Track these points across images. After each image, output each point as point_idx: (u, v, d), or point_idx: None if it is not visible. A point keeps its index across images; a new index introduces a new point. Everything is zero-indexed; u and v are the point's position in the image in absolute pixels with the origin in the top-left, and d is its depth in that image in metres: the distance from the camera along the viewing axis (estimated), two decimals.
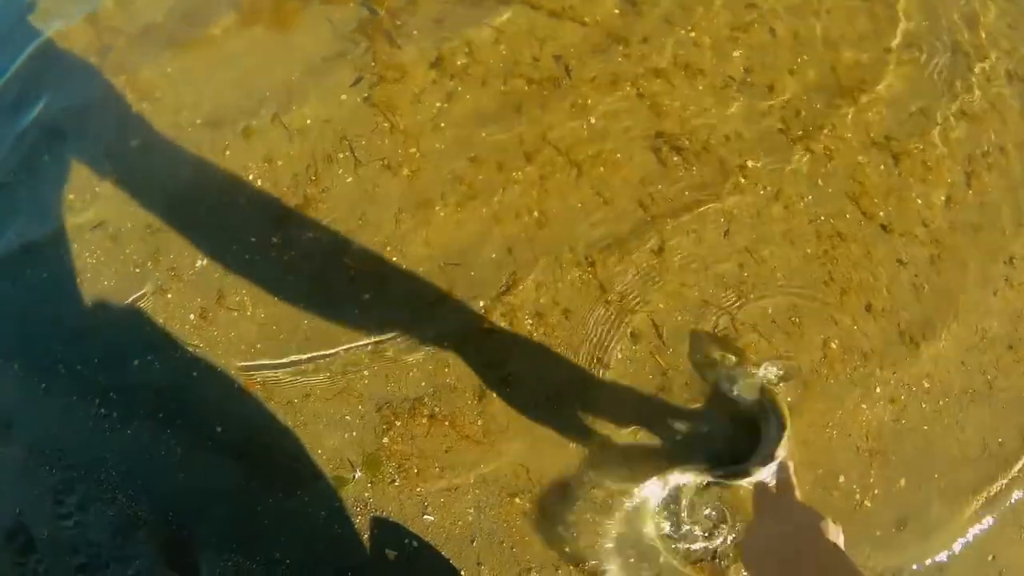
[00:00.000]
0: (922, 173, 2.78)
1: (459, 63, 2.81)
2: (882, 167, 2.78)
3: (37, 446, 2.50)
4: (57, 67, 3.05)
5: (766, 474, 2.20)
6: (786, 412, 2.32)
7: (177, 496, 2.41)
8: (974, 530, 2.45)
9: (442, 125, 2.73)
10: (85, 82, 2.97)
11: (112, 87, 2.92)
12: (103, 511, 2.43)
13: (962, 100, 2.93)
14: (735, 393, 2.40)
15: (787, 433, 2.27)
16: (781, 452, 2.23)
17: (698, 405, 2.44)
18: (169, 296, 2.59)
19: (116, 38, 3.06)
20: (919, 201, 2.76)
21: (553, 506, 2.36)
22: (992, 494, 2.47)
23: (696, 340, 2.48)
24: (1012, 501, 2.49)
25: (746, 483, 2.26)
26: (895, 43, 3.02)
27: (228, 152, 2.74)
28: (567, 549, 2.32)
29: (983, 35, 3.11)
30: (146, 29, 3.06)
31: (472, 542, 2.33)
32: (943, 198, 2.76)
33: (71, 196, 2.78)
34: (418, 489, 2.38)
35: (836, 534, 1.47)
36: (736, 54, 2.90)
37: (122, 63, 2.99)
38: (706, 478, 2.33)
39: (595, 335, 2.50)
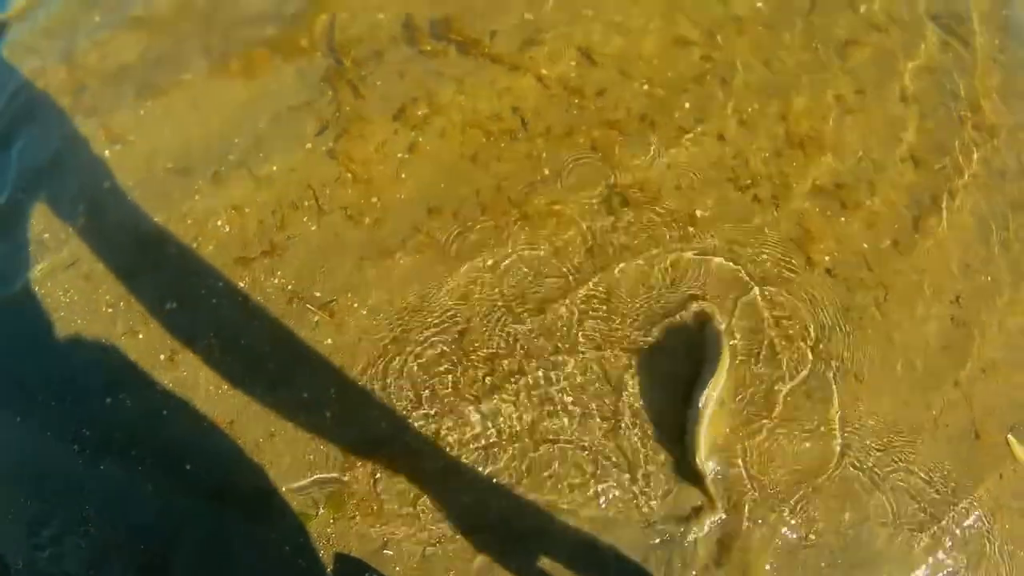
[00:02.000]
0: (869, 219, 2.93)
1: (420, 114, 2.94)
2: (828, 213, 2.92)
3: (12, 479, 2.61)
4: (32, 106, 3.14)
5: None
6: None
7: (150, 530, 2.53)
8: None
9: (403, 176, 2.85)
10: (59, 123, 3.07)
11: (86, 129, 3.03)
12: (77, 543, 2.54)
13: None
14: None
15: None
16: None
17: None
18: (140, 336, 2.71)
19: (90, 78, 3.16)
20: (865, 245, 2.90)
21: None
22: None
23: None
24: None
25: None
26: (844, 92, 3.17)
27: (198, 197, 2.86)
28: None
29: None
30: (119, 71, 3.16)
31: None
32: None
33: (46, 235, 2.89)
34: (377, 527, 2.50)
35: None
36: (687, 105, 3.03)
37: (96, 105, 3.10)
38: None
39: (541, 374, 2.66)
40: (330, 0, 3.22)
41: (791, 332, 2.70)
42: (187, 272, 2.78)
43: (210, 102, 3.05)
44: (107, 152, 2.97)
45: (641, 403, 2.62)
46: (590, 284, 2.75)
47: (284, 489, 2.54)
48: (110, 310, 2.75)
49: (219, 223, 2.82)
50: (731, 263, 2.78)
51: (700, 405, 2.53)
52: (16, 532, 2.56)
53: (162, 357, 2.68)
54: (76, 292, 2.78)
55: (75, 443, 2.61)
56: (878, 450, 2.63)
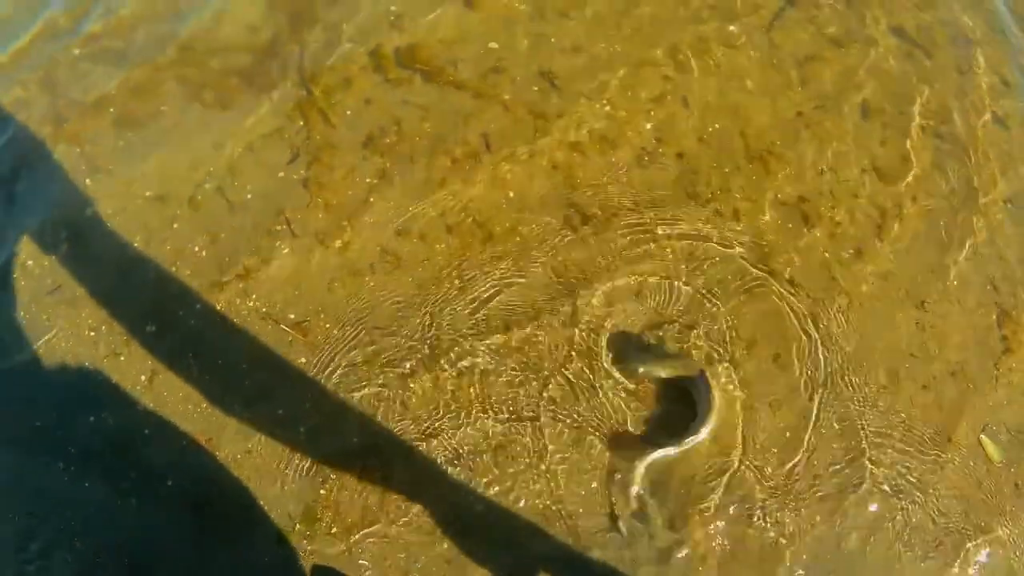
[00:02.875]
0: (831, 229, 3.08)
1: (388, 141, 3.07)
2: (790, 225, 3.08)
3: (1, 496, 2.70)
4: (14, 136, 3.25)
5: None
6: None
7: (135, 544, 2.63)
8: None
9: (371, 200, 2.99)
10: (41, 152, 3.19)
11: (67, 159, 3.15)
12: (64, 557, 2.63)
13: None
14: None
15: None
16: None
17: None
18: (122, 358, 2.82)
19: (71, 109, 3.28)
20: (826, 255, 3.05)
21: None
22: None
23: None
24: None
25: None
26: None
27: (176, 224, 2.97)
28: None
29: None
30: (99, 101, 3.27)
31: None
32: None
33: (29, 262, 2.99)
34: (354, 536, 2.62)
35: None
36: (648, 126, 3.18)
37: (77, 134, 3.21)
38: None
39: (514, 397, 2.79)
40: (300, 30, 3.33)
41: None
42: (166, 296, 2.88)
43: (187, 131, 3.17)
44: (88, 181, 3.08)
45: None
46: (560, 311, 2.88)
47: (261, 503, 2.64)
48: (92, 333, 2.85)
49: (196, 248, 2.93)
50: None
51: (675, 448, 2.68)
52: (4, 546, 2.64)
53: (143, 378, 2.79)
54: (60, 316, 2.88)
55: (59, 461, 2.70)
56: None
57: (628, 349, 2.81)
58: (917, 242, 3.10)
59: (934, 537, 2.72)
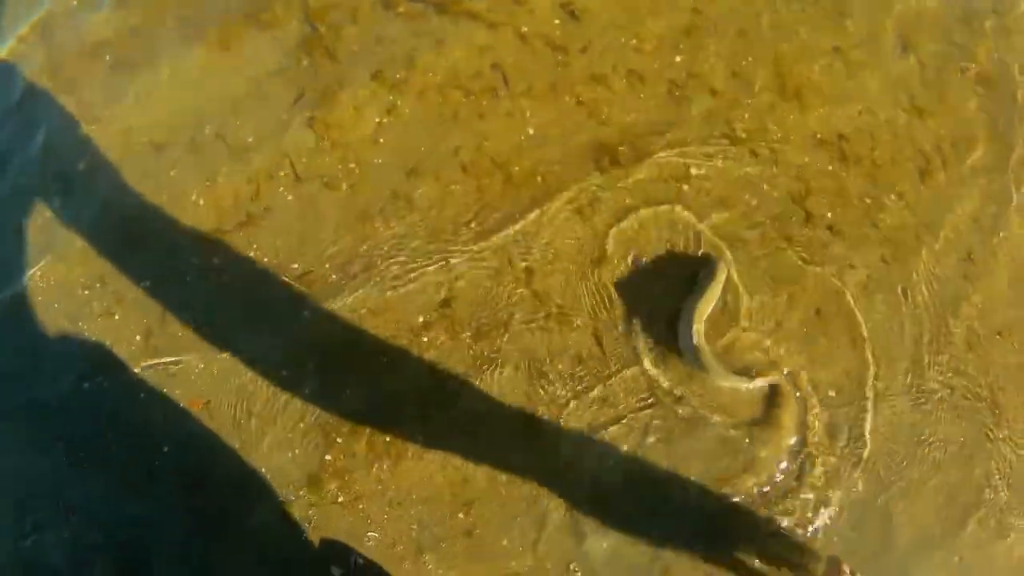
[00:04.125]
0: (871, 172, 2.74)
1: (398, 76, 2.81)
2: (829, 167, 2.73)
3: None
4: (8, 85, 3.06)
5: None
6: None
7: (131, 521, 2.48)
8: None
9: (381, 140, 2.72)
10: (36, 102, 3.01)
11: (61, 108, 2.95)
12: (59, 534, 2.49)
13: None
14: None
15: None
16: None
17: None
18: (116, 318, 2.64)
19: (66, 56, 3.07)
20: (867, 201, 2.71)
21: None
22: None
23: None
24: None
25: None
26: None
27: (173, 172, 2.76)
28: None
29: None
30: (95, 47, 3.06)
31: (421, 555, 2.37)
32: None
33: (23, 220, 2.79)
34: (361, 505, 2.38)
35: None
36: (678, 59, 2.85)
37: (72, 82, 3.01)
38: None
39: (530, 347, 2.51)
40: None
41: None
42: (162, 249, 2.70)
43: (186, 74, 2.95)
44: (82, 130, 2.89)
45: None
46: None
47: (263, 471, 2.45)
48: (86, 292, 2.68)
49: (193, 197, 2.73)
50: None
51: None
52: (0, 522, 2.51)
53: (138, 338, 2.62)
54: (52, 275, 2.72)
55: (53, 430, 2.57)
56: None
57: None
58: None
59: None
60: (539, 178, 2.68)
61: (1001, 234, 2.67)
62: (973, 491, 2.46)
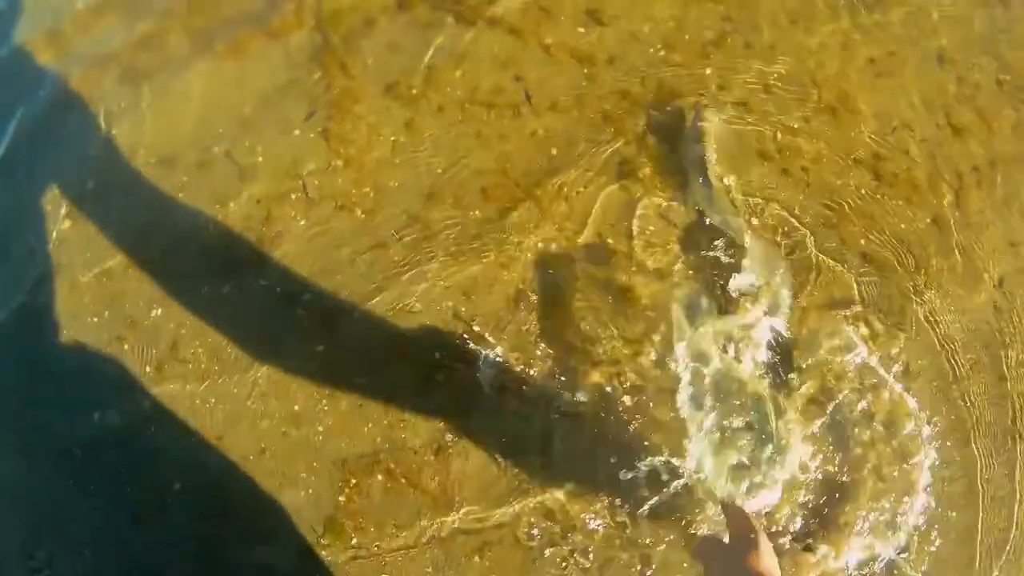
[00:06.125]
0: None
1: (414, 91, 2.68)
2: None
3: (4, 501, 2.51)
4: (17, 100, 2.98)
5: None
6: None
7: (143, 553, 2.41)
8: None
9: (397, 161, 2.60)
10: (43, 117, 2.93)
11: (69, 125, 2.87)
12: (72, 565, 2.43)
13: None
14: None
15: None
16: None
17: None
18: (126, 347, 2.56)
19: (73, 68, 2.98)
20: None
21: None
22: None
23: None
24: None
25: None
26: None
27: (182, 194, 2.67)
28: None
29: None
30: (103, 59, 2.97)
31: None
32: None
33: (32, 241, 2.74)
34: (375, 547, 2.30)
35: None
36: (708, 71, 2.68)
37: (81, 95, 2.92)
38: None
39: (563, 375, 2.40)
40: None
41: None
42: (171, 276, 2.62)
43: (195, 88, 2.85)
44: (90, 151, 2.80)
45: None
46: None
47: (277, 507, 2.37)
48: (95, 319, 2.60)
49: (203, 220, 2.64)
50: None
51: None
52: (12, 554, 2.47)
53: (148, 369, 2.54)
54: (62, 301, 2.64)
55: (65, 462, 2.50)
56: None
57: None
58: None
59: None
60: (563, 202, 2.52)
61: None
62: None
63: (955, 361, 2.37)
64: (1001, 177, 2.58)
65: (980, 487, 2.28)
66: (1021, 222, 2.53)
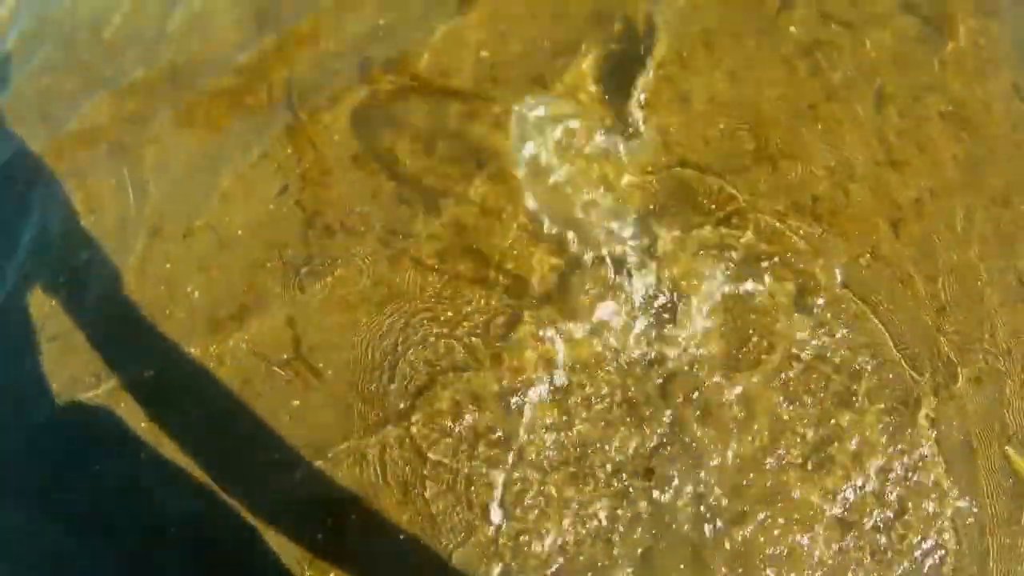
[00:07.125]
0: None
1: (376, 165, 2.92)
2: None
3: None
4: (13, 174, 3.25)
5: None
6: None
7: None
8: None
9: (362, 229, 2.85)
10: (38, 190, 3.20)
11: (61, 199, 3.11)
12: None
13: None
14: None
15: None
16: None
17: None
18: (122, 405, 2.78)
19: (65, 142, 3.25)
20: None
21: None
22: None
23: None
24: None
25: None
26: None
27: (168, 265, 2.90)
28: None
29: None
30: (93, 133, 3.21)
31: None
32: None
33: (31, 308, 2.97)
34: None
35: None
36: None
37: (73, 170, 3.20)
38: None
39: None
40: (285, 47, 3.19)
41: None
42: (161, 339, 2.83)
43: (177, 162, 3.10)
44: (82, 223, 3.04)
45: None
46: None
47: (268, 558, 2.56)
48: (92, 379, 2.82)
49: (189, 288, 2.86)
50: None
51: None
52: None
53: (143, 425, 2.75)
54: (60, 363, 2.86)
55: (62, 517, 2.71)
56: None
57: None
58: None
59: None
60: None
61: None
62: None
63: None
64: None
65: None
66: None
